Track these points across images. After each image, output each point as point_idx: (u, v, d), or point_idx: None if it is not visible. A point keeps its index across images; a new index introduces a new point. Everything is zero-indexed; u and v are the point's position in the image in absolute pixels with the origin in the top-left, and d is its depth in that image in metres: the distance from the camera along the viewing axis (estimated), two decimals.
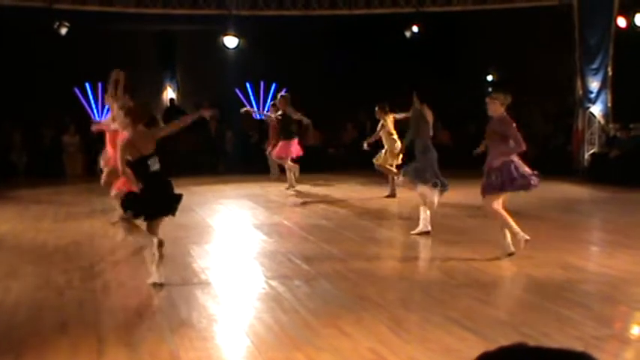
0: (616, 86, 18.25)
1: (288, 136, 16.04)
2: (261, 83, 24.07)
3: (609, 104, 18.38)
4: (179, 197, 8.33)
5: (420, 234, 10.63)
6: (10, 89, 20.04)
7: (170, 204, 8.24)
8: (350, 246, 9.92)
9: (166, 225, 11.93)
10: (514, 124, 9.20)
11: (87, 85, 22.91)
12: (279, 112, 16.13)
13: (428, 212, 10.72)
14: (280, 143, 16.13)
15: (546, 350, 1.70)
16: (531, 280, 8.05)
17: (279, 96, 16.53)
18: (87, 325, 6.55)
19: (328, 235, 10.90)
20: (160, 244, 7.87)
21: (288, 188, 16.11)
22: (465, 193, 15.79)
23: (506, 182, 9.01)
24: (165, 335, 6.19)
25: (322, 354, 5.65)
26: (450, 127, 22.36)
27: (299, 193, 15.92)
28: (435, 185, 10.75)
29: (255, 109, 21.83)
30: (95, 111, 23.28)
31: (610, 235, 11.40)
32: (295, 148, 16.16)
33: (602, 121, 18.59)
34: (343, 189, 16.37)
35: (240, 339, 6.16)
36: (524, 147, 9.21)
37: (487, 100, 9.25)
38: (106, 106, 23.21)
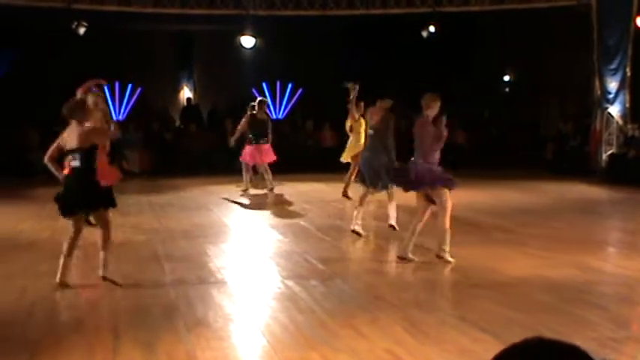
0: (634, 87, 18.12)
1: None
2: (278, 83, 24.09)
3: (627, 105, 18.26)
4: (100, 196, 8.07)
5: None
6: (28, 89, 20.16)
7: (86, 201, 7.99)
8: (365, 246, 9.92)
9: (183, 224, 12.03)
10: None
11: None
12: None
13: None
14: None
15: (563, 345, 1.71)
16: (548, 281, 8.00)
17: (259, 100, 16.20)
18: (103, 324, 6.58)
19: (344, 235, 10.89)
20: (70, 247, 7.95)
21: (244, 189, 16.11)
22: (480, 194, 15.77)
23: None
24: (181, 334, 6.21)
25: (338, 354, 5.64)
26: (465, 128, 22.30)
27: (303, 194, 15.92)
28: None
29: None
30: (113, 110, 23.35)
31: (627, 236, 11.34)
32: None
33: (621, 122, 18.48)
34: (359, 190, 16.30)
35: (256, 338, 6.16)
36: None
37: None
38: (123, 106, 23.40)
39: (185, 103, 24.13)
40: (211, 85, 24.16)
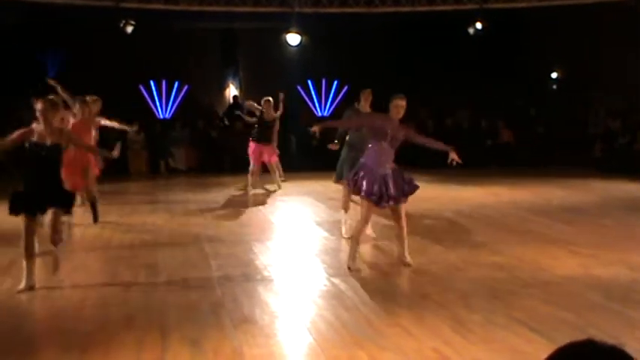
0: None
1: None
2: (323, 81, 24.11)
3: None
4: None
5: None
6: (76, 88, 20.42)
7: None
8: (411, 244, 9.87)
9: (229, 222, 12.10)
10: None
11: (151, 82, 23.24)
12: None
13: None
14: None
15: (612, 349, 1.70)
16: (597, 280, 7.90)
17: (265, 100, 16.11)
18: (152, 320, 6.64)
19: (390, 233, 10.85)
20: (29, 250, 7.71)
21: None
22: (526, 192, 15.63)
23: None
24: (228, 331, 6.24)
25: (385, 353, 5.63)
26: (512, 126, 22.10)
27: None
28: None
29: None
30: (159, 108, 23.59)
31: None
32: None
33: None
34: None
35: (302, 336, 6.17)
36: None
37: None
38: (168, 105, 23.59)
39: (231, 101, 24.25)
40: (256, 83, 24.24)
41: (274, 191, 15.90)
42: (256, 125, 15.78)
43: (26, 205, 7.64)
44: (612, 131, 20.64)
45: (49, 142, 7.67)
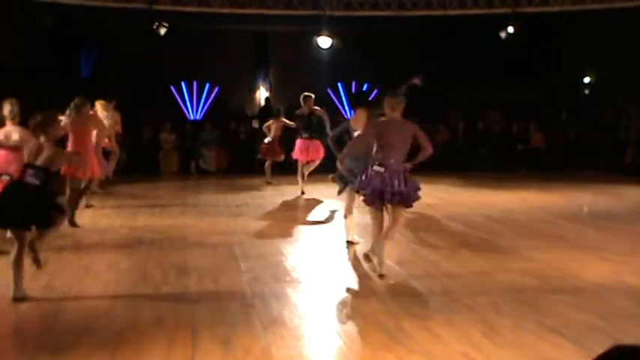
0: None
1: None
2: (353, 83, 24.13)
3: None
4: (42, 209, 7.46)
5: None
6: (110, 90, 20.61)
7: (27, 218, 7.40)
8: (441, 248, 9.87)
9: (258, 223, 12.15)
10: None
11: (183, 83, 23.40)
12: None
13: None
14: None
15: None
16: (629, 287, 7.85)
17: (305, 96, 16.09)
18: (182, 319, 6.69)
19: (419, 236, 10.85)
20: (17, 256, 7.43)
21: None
22: (557, 197, 15.54)
23: None
24: (257, 332, 6.28)
25: (414, 356, 5.63)
26: (543, 130, 21.98)
27: None
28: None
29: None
30: (190, 109, 23.75)
31: None
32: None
33: None
34: (434, 190, 16.21)
35: (331, 338, 6.19)
36: None
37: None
38: (199, 106, 23.74)
39: (263, 103, 24.33)
40: (287, 85, 24.32)
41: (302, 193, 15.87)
42: (299, 122, 15.88)
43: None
44: None
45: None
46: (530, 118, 21.97)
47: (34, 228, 7.49)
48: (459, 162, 20.58)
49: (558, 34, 22.79)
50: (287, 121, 16.90)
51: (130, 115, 21.08)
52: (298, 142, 15.77)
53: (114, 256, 9.63)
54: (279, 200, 15.19)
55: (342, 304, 7.33)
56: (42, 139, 7.56)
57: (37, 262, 7.61)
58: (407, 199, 8.39)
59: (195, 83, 23.55)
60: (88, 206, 13.30)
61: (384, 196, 8.32)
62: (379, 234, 8.47)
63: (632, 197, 15.56)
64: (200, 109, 23.83)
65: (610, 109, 22.12)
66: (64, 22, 19.27)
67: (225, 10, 19.21)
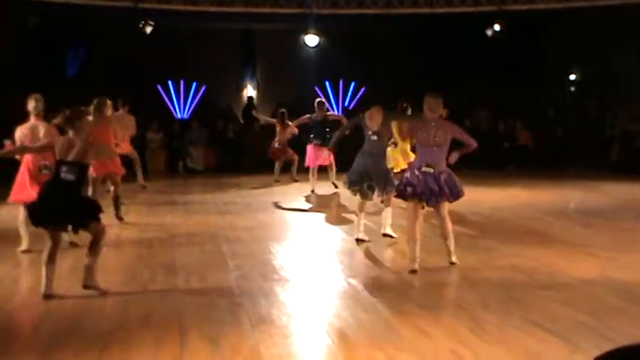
0: None
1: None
2: (341, 82, 24.13)
3: None
4: (80, 209, 7.54)
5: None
6: (96, 89, 20.52)
7: (63, 217, 7.47)
8: (429, 245, 9.87)
9: (246, 222, 12.15)
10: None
11: (170, 82, 23.35)
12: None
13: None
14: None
15: None
16: (615, 282, 7.88)
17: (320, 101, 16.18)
18: (170, 319, 6.68)
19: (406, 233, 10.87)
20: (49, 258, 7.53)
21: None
22: (543, 194, 15.60)
23: None
24: (246, 331, 6.28)
25: (402, 354, 5.64)
26: (530, 128, 22.05)
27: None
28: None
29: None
30: (177, 108, 23.70)
31: None
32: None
33: None
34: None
35: (320, 336, 6.19)
36: None
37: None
38: (186, 105, 23.70)
39: (246, 102, 24.33)
40: (274, 84, 24.32)
41: (312, 191, 15.92)
42: (312, 128, 15.91)
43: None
44: (630, 134, 20.55)
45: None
46: (517, 115, 22.05)
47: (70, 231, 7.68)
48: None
49: (544, 31, 22.86)
50: (291, 127, 16.77)
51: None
52: (309, 148, 15.85)
53: (101, 255, 9.58)
54: (267, 199, 15.18)
55: (331, 302, 7.33)
56: (71, 133, 7.59)
57: (100, 291, 7.60)
58: (452, 194, 8.55)
59: (182, 82, 23.50)
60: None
61: (432, 196, 8.46)
62: (415, 231, 8.52)
63: (618, 194, 15.64)
64: (187, 107, 23.79)
65: (596, 107, 22.22)
66: (50, 20, 19.18)
67: (212, 9, 19.19)
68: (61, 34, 21.28)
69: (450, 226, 8.76)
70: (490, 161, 20.63)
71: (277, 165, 17.50)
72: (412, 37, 22.83)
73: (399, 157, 12.72)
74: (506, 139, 22.00)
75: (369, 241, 10.25)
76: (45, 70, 20.28)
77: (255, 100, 24.37)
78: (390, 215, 10.57)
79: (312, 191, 15.84)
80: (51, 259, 7.52)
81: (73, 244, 9.67)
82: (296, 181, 17.30)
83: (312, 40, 20.42)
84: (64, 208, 7.39)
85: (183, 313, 6.87)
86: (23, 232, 9.73)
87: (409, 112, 12.53)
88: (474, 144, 8.71)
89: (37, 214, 7.45)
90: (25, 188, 9.41)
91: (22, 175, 9.54)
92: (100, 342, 6.00)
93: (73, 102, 18.35)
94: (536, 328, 6.21)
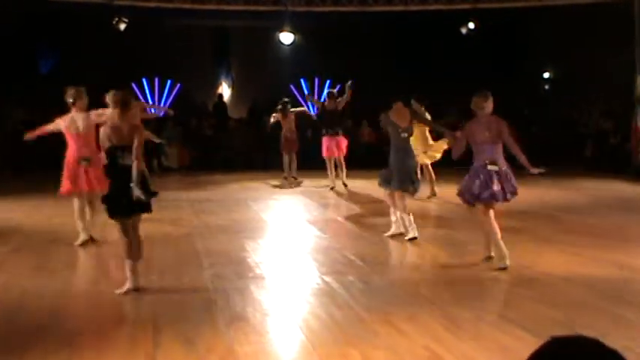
0: None
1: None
2: (316, 79, 24.13)
3: None
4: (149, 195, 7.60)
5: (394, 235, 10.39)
6: (69, 85, 20.40)
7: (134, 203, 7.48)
8: (404, 244, 9.91)
9: (221, 220, 12.12)
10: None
11: (144, 80, 23.24)
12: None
13: (398, 215, 10.35)
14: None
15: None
16: (587, 279, 7.95)
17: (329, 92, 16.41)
18: (144, 318, 6.66)
19: (382, 232, 10.89)
20: (136, 247, 7.62)
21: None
22: (519, 191, 15.65)
23: None
24: (220, 329, 6.27)
25: (377, 351, 5.66)
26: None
27: (349, 190, 15.95)
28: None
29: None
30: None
31: None
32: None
33: None
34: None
35: (294, 334, 6.20)
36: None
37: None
38: (161, 103, 23.60)
39: (216, 99, 24.29)
40: (249, 81, 24.28)
41: (331, 188, 15.98)
42: (323, 119, 16.14)
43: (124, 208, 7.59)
44: (604, 131, 20.72)
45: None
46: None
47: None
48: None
49: (519, 29, 22.98)
50: (298, 110, 17.20)
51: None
52: (324, 139, 15.97)
53: (74, 253, 9.54)
54: (242, 197, 15.15)
55: (306, 300, 7.34)
56: (120, 119, 7.55)
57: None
58: (514, 192, 8.67)
59: (156, 79, 23.40)
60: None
61: (501, 194, 8.52)
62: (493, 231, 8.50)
63: (592, 191, 15.77)
64: (162, 105, 23.66)
65: (570, 105, 22.38)
66: (23, 17, 19.04)
67: (187, 6, 19.11)
68: (33, 31, 21.12)
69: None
70: (464, 159, 20.65)
71: (286, 160, 17.60)
72: (387, 35, 22.87)
73: (418, 147, 12.72)
74: None
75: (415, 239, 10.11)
76: (17, 66, 20.13)
77: (226, 98, 24.31)
78: (412, 219, 10.26)
79: (332, 188, 15.95)
80: (130, 253, 7.52)
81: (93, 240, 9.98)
82: (295, 178, 17.31)
83: (287, 37, 20.40)
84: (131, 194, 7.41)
85: (158, 311, 6.84)
86: (79, 225, 9.98)
87: (423, 107, 12.88)
88: (514, 147, 8.76)
89: (111, 205, 7.52)
90: (72, 180, 9.80)
91: (67, 168, 9.91)
92: (71, 341, 5.96)
93: (45, 99, 18.41)
94: (509, 324, 6.25)
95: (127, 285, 7.46)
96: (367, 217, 12.35)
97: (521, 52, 23.15)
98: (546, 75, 24.44)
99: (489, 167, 8.48)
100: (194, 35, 23.51)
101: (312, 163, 17.56)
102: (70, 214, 12.73)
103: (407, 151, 10.15)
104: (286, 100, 17.47)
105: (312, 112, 17.05)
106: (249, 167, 19.81)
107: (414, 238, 9.96)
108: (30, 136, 10.48)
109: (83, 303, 7.20)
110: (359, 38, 23.03)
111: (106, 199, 7.61)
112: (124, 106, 7.59)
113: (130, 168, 7.32)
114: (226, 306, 6.99)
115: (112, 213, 7.56)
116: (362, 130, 21.89)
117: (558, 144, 21.20)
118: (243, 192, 15.85)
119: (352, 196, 15.09)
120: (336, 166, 16.14)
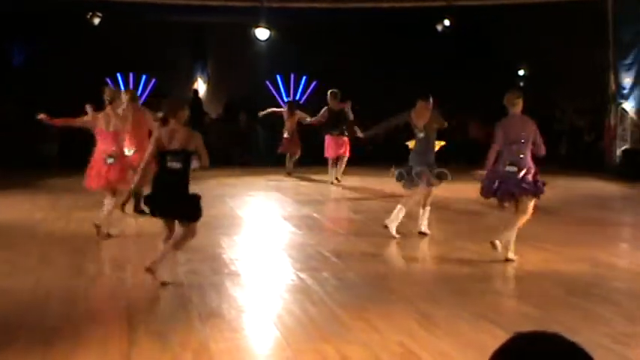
0: None
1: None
2: (292, 76, 24.10)
3: None
4: (189, 202, 7.77)
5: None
6: (44, 79, 20.25)
7: (173, 207, 7.73)
8: (379, 240, 9.93)
9: None
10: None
11: (119, 75, 23.09)
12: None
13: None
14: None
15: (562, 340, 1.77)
16: (560, 275, 8.02)
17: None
18: (118, 314, 6.63)
19: (357, 228, 10.92)
20: (175, 245, 7.79)
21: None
22: None
23: None
24: (195, 325, 6.25)
25: (351, 347, 5.67)
26: (480, 122, 22.24)
27: (328, 187, 15.97)
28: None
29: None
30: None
31: None
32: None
33: (635, 117, 18.40)
34: (373, 183, 16.31)
35: (269, 330, 6.20)
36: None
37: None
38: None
39: (193, 95, 24.20)
40: (225, 77, 24.18)
41: (331, 183, 16.13)
42: (328, 119, 16.18)
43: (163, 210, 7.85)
44: (578, 129, 20.86)
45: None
46: (467, 111, 22.21)
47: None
48: (394, 155, 20.71)
49: (494, 26, 23.06)
50: (302, 114, 17.28)
51: (64, 108, 20.78)
52: (328, 139, 16.14)
53: (48, 250, 9.47)
54: (217, 193, 15.11)
55: (280, 296, 7.34)
56: (172, 123, 7.72)
57: (162, 282, 7.63)
58: (536, 190, 8.68)
59: (131, 75, 23.24)
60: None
61: (515, 193, 8.58)
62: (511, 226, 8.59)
63: (565, 188, 15.85)
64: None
65: (544, 102, 22.51)
66: None
67: (161, 1, 19.02)
68: (6, 24, 20.91)
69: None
70: (440, 156, 20.74)
71: (288, 157, 17.69)
72: (362, 32, 22.86)
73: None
74: (458, 133, 22.14)
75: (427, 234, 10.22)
76: None
77: (201, 94, 24.22)
78: (427, 214, 10.38)
79: (332, 183, 16.13)
80: (167, 240, 7.75)
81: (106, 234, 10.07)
82: (289, 174, 17.33)
83: (262, 33, 20.36)
84: (175, 199, 7.64)
85: (132, 308, 6.82)
86: (107, 218, 10.14)
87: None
88: (542, 150, 8.87)
89: (152, 204, 7.75)
90: (100, 175, 10.05)
91: (94, 163, 10.21)
92: (44, 338, 5.91)
93: (19, 93, 18.24)
94: (484, 320, 6.29)
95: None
96: (342, 214, 12.38)
97: (497, 49, 23.23)
98: (521, 72, 24.55)
99: (507, 168, 8.61)
100: (169, 31, 23.34)
101: (277, 160, 17.79)
102: (51, 209, 12.70)
103: (425, 149, 10.19)
104: (294, 99, 17.69)
105: (308, 119, 17.05)
106: (226, 163, 19.74)
107: (424, 233, 10.11)
108: (50, 120, 11.15)
109: (57, 300, 7.14)
110: (335, 35, 23.00)
111: (147, 199, 7.91)
112: (172, 113, 7.79)
113: (176, 171, 7.60)
114: (201, 302, 6.97)
115: (152, 213, 7.90)
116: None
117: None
118: (219, 188, 15.79)
119: (327, 192, 15.10)
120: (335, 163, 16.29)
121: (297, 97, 24.20)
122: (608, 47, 18.37)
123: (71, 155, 20.20)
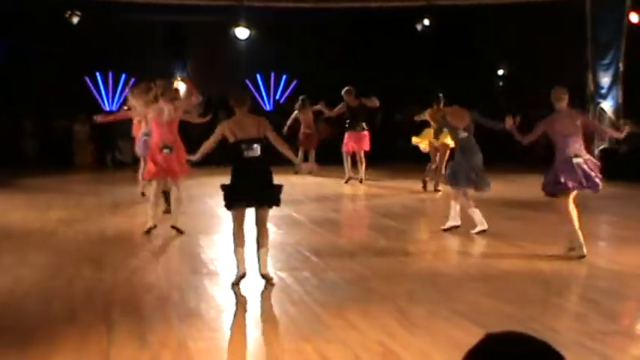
0: (627, 82, 18.17)
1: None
2: (272, 75, 24.07)
3: (620, 100, 18.30)
4: (273, 188, 7.91)
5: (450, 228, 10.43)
6: (22, 77, 20.12)
7: (260, 194, 7.82)
8: (359, 239, 9.94)
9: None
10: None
11: (98, 74, 22.97)
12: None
13: (458, 209, 10.49)
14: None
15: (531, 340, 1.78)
16: (538, 274, 8.05)
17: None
18: (96, 314, 6.59)
19: (337, 228, 10.93)
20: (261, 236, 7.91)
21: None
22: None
23: None
24: (174, 325, 6.23)
25: (331, 346, 5.67)
26: None
27: (308, 187, 15.96)
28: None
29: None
30: (105, 100, 23.34)
31: (619, 231, 11.39)
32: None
33: (613, 117, 18.51)
34: (353, 183, 16.32)
35: (248, 330, 6.19)
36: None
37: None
38: (115, 97, 23.33)
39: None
40: (205, 76, 24.10)
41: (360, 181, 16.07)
42: (348, 116, 16.25)
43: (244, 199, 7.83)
44: None
45: None
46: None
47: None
48: (377, 153, 20.75)
49: (473, 26, 23.13)
50: (316, 107, 17.31)
51: (42, 106, 20.66)
52: (347, 135, 16.18)
53: (26, 250, 9.40)
54: (196, 192, 15.06)
55: (260, 295, 7.32)
56: (239, 112, 7.86)
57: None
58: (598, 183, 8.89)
59: (110, 74, 23.12)
60: None
61: (584, 184, 8.74)
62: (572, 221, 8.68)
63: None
64: (116, 100, 23.42)
65: (523, 101, 22.61)
66: None
67: (142, 0, 18.94)
68: None
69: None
70: (419, 155, 20.79)
71: (300, 154, 17.66)
72: (343, 31, 22.87)
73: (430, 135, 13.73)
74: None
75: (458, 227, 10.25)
76: None
77: (181, 93, 24.10)
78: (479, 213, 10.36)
79: (346, 181, 16.13)
80: (240, 242, 7.78)
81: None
82: (296, 173, 17.23)
83: (242, 32, 20.31)
84: (258, 185, 7.70)
85: (110, 308, 6.78)
86: (151, 211, 10.27)
87: (442, 104, 13.19)
88: (605, 133, 9.09)
89: (230, 196, 7.73)
90: (154, 165, 10.29)
91: (150, 154, 10.51)
92: (20, 339, 5.87)
93: None
94: (463, 319, 6.30)
95: (238, 272, 7.64)
96: (322, 213, 12.36)
97: (477, 48, 23.30)
98: (500, 72, 24.66)
99: (574, 160, 8.71)
100: (149, 30, 23.26)
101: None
102: (29, 208, 12.60)
103: (470, 149, 10.30)
104: (304, 96, 17.75)
105: (325, 110, 17.09)
106: (205, 162, 19.65)
107: (483, 230, 10.06)
108: (103, 119, 12.53)
109: (35, 300, 7.09)
110: (315, 34, 23.00)
111: (226, 190, 7.79)
112: (243, 104, 7.90)
113: (254, 160, 7.65)
114: (180, 302, 6.95)
115: (230, 205, 7.81)
116: (318, 125, 21.89)
117: (511, 140, 21.36)
118: (198, 187, 15.74)
119: (307, 191, 15.08)
120: (355, 162, 16.25)
121: (277, 97, 24.20)
122: (587, 47, 18.47)
123: (51, 154, 20.19)
